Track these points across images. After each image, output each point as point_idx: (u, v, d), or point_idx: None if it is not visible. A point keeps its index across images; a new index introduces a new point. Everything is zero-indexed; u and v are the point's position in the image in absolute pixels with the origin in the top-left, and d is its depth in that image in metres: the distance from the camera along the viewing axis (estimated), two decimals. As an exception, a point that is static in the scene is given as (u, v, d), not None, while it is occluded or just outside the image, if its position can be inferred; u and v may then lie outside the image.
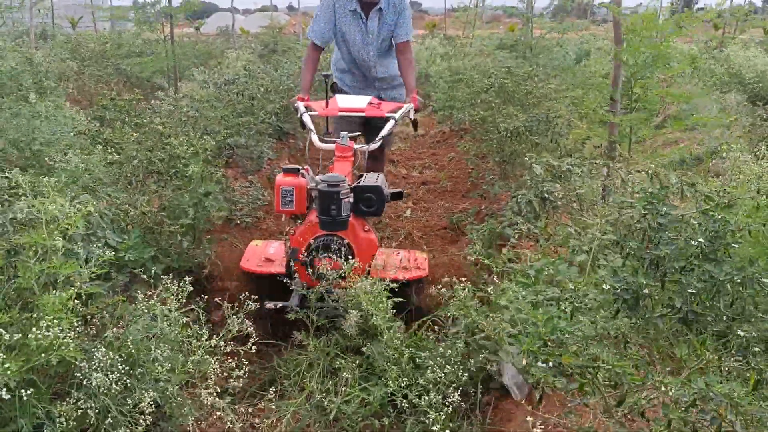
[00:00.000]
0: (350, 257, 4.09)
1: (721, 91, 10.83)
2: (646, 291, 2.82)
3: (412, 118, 5.61)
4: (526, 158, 5.41)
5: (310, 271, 4.04)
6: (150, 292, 3.43)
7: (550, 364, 2.44)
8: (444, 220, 6.86)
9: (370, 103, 5.28)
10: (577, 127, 6.30)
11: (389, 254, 4.69)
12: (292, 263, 4.20)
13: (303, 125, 5.24)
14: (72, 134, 5.34)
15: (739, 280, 2.70)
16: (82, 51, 14.00)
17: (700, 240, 2.81)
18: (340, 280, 3.95)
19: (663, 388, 2.25)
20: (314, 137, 4.91)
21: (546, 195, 4.98)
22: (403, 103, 5.59)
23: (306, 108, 5.31)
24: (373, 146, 4.96)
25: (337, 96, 5.43)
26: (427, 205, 7.45)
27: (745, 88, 11.21)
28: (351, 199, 4.15)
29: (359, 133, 5.54)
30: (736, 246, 2.84)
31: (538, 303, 3.27)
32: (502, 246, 5.22)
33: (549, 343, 2.47)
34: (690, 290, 2.78)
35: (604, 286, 2.89)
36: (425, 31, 27.54)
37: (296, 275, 4.18)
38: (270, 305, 4.16)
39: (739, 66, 11.97)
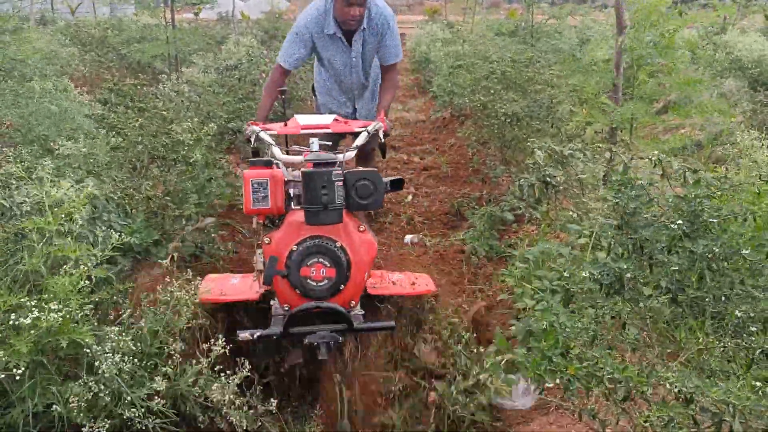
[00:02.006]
0: (346, 264, 3.38)
1: (721, 76, 10.83)
2: (628, 275, 2.86)
3: (382, 140, 4.63)
4: (528, 144, 5.43)
5: (293, 282, 3.35)
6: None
7: (557, 380, 2.48)
8: (445, 205, 6.88)
9: (335, 119, 4.50)
10: (577, 113, 6.31)
11: (384, 274, 4.16)
12: (270, 277, 3.31)
13: (255, 152, 4.49)
14: (79, 116, 5.33)
15: (717, 251, 2.73)
16: (82, 36, 13.98)
17: (679, 222, 2.85)
18: (331, 295, 3.36)
19: (668, 381, 2.27)
20: (276, 150, 3.93)
21: (548, 179, 4.97)
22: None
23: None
24: (350, 154, 3.97)
25: (297, 115, 4.58)
26: (429, 191, 7.47)
27: (744, 73, 11.21)
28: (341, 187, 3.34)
29: (330, 143, 4.50)
30: (714, 221, 2.87)
31: (540, 289, 3.31)
32: (502, 231, 5.26)
33: (553, 359, 2.51)
34: (672, 268, 2.81)
35: (584, 273, 2.94)
36: (426, 17, 27.51)
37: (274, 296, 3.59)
38: (244, 335, 3.40)
39: (738, 51, 11.96)
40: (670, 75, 5.58)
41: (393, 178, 3.65)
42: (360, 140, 4.17)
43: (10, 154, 4.06)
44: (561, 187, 5.06)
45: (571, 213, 4.42)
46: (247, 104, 7.72)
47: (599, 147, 5.34)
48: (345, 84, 5.60)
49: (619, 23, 5.39)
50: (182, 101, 6.64)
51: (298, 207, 3.46)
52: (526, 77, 7.22)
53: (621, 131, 5.51)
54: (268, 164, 3.48)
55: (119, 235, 3.21)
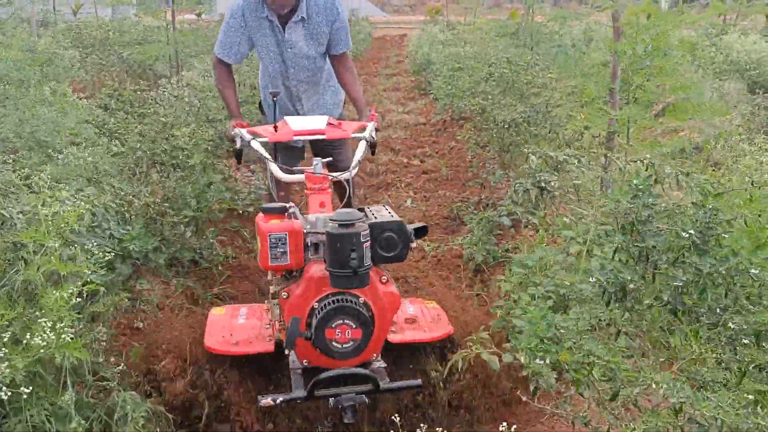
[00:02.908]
0: (370, 321, 3.12)
1: (720, 78, 10.84)
2: (632, 285, 2.88)
3: (374, 140, 4.45)
4: (524, 149, 5.45)
5: (318, 344, 3.07)
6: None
7: (548, 360, 2.48)
8: (444, 209, 6.90)
9: (329, 124, 4.23)
10: (575, 117, 6.33)
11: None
12: (293, 338, 3.04)
13: (239, 159, 4.40)
14: (77, 123, 5.33)
15: (724, 272, 2.74)
16: (83, 39, 14.00)
17: (691, 231, 2.86)
18: (356, 355, 3.12)
19: (654, 386, 2.30)
20: (275, 168, 3.88)
21: (543, 185, 4.99)
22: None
23: (251, 135, 4.31)
24: (352, 173, 3.89)
25: (287, 118, 4.35)
26: (428, 195, 7.49)
27: (743, 75, 11.23)
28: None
29: (330, 158, 4.30)
30: (727, 236, 2.88)
31: (536, 296, 3.33)
32: (500, 236, 5.28)
33: (545, 341, 2.53)
34: (676, 283, 2.83)
35: (590, 279, 2.95)
36: (426, 17, 27.55)
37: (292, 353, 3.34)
38: (266, 401, 3.11)
39: (737, 53, 11.98)
40: (666, 77, 5.60)
41: (417, 225, 3.31)
42: (360, 154, 4.01)
43: (9, 161, 4.07)
44: (557, 193, 5.08)
45: (565, 219, 4.43)
46: (247, 108, 7.73)
47: (594, 153, 5.36)
48: (283, 82, 5.04)
49: (616, 29, 5.41)
50: (182, 106, 6.65)
51: (317, 257, 3.22)
52: (524, 80, 7.25)
53: (618, 135, 5.53)
54: (283, 211, 3.25)
55: (118, 242, 3.23)
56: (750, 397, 2.20)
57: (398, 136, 10.35)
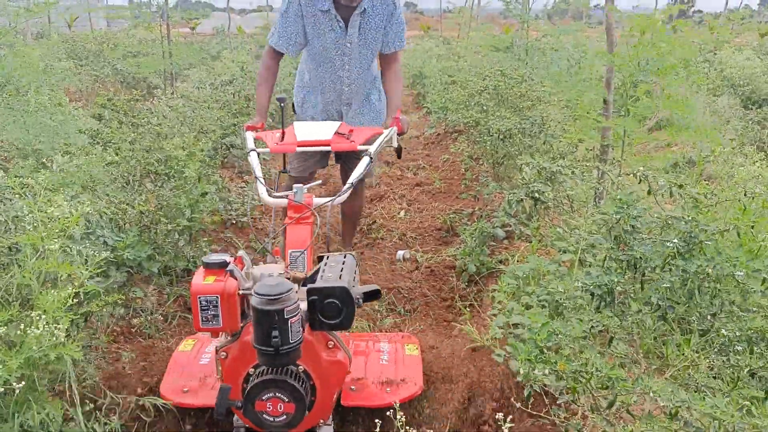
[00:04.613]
0: (308, 392, 2.87)
1: (714, 94, 10.91)
2: (618, 288, 2.89)
3: (396, 145, 4.41)
4: (518, 160, 5.46)
5: (248, 416, 2.82)
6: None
7: (546, 371, 2.48)
8: (438, 221, 6.90)
9: (337, 133, 4.04)
10: (570, 130, 6.35)
11: (367, 348, 3.76)
12: (221, 409, 2.83)
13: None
14: (74, 131, 5.34)
15: (711, 272, 2.76)
16: (78, 50, 14.05)
17: (675, 241, 2.88)
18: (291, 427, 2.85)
19: (651, 394, 2.30)
20: (261, 190, 3.59)
21: (536, 195, 5.00)
22: (381, 127, 4.63)
23: (255, 142, 4.16)
24: (339, 199, 3.57)
25: (296, 124, 4.18)
26: (421, 206, 7.49)
27: (736, 91, 11.31)
28: (301, 314, 2.70)
29: (319, 182, 4.16)
30: (710, 243, 2.90)
31: (529, 304, 3.35)
32: (493, 247, 5.29)
33: (545, 350, 2.53)
34: (664, 285, 2.84)
35: (576, 284, 2.96)
36: (420, 32, 27.66)
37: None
38: None
39: (730, 69, 12.07)
40: (662, 93, 5.63)
41: (367, 289, 2.94)
42: (357, 173, 3.71)
43: (3, 168, 4.08)
44: (550, 204, 5.10)
45: (558, 230, 4.45)
46: (241, 120, 7.76)
47: (587, 165, 5.38)
48: (336, 82, 4.88)
49: (610, 41, 5.44)
50: (176, 116, 6.66)
51: None
52: (518, 93, 7.27)
53: (612, 148, 5.55)
54: (223, 266, 2.89)
55: (111, 251, 3.23)
56: (746, 402, 2.20)
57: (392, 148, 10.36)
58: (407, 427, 2.43)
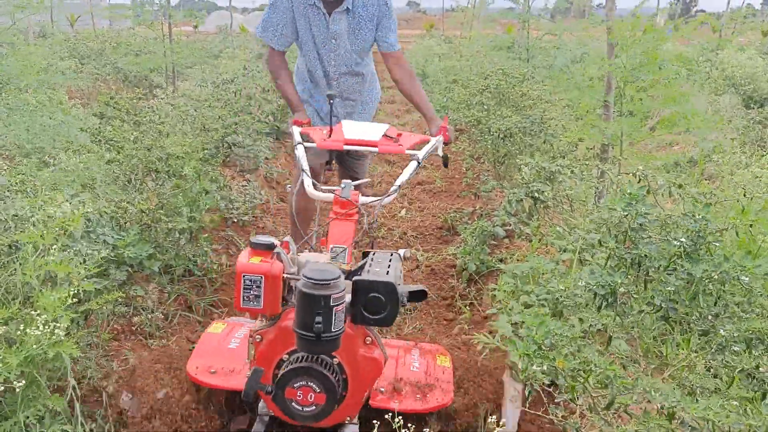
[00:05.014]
0: (340, 386, 2.83)
1: (715, 93, 10.92)
2: (621, 289, 2.89)
3: (441, 154, 4.22)
4: (518, 159, 5.47)
5: (277, 402, 2.80)
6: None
7: (545, 367, 2.47)
8: (438, 220, 6.91)
9: (386, 135, 3.96)
10: (570, 129, 6.36)
11: (399, 354, 3.65)
12: (251, 392, 2.76)
13: None
14: (74, 130, 5.34)
15: (716, 277, 2.76)
16: (80, 49, 14.06)
17: (682, 240, 2.87)
18: (318, 420, 2.82)
19: (651, 393, 2.30)
20: (307, 182, 3.56)
21: (536, 194, 5.00)
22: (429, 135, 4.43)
23: (302, 137, 4.11)
24: (387, 200, 3.57)
25: (344, 122, 4.15)
26: (422, 205, 7.50)
27: (738, 90, 11.31)
28: (346, 304, 2.67)
29: (368, 180, 4.11)
30: (718, 245, 2.90)
31: (530, 304, 3.35)
32: (494, 246, 5.30)
33: (543, 347, 2.53)
34: (669, 288, 2.84)
35: (579, 283, 2.96)
36: (423, 31, 27.67)
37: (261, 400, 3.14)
38: None
39: (732, 69, 12.07)
40: (659, 89, 5.63)
41: (413, 288, 2.85)
42: (405, 176, 3.67)
43: (5, 167, 4.09)
44: (550, 203, 5.10)
45: (558, 229, 4.45)
46: (243, 118, 7.76)
47: (587, 164, 5.38)
48: (323, 77, 4.83)
49: (610, 46, 5.44)
50: (178, 115, 6.67)
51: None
52: (519, 93, 7.28)
53: (613, 148, 5.56)
54: (270, 248, 2.82)
55: (112, 249, 3.23)
56: (737, 403, 2.21)
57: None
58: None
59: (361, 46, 4.68)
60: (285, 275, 2.81)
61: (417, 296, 2.85)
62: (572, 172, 5.07)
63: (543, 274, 3.83)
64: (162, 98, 8.09)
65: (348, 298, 2.72)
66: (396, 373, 3.44)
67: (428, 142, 4.09)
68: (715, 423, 2.09)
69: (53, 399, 2.83)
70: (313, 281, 2.53)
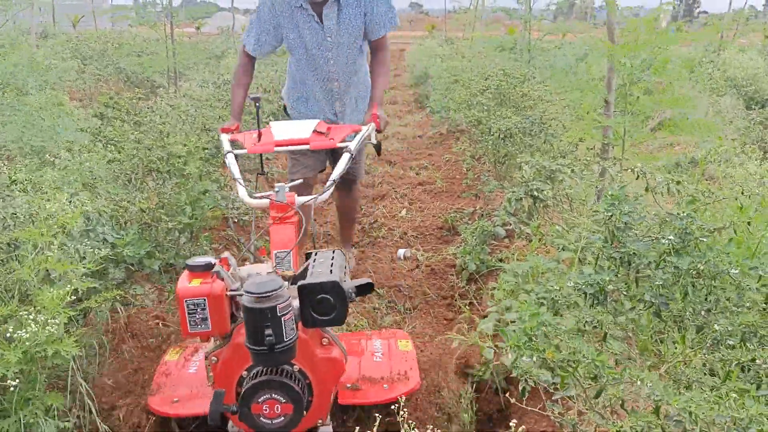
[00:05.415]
0: (305, 392, 2.81)
1: (717, 94, 10.92)
2: (610, 287, 2.89)
3: (375, 142, 4.21)
4: (519, 159, 5.47)
5: (244, 420, 2.74)
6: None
7: (534, 358, 2.47)
8: (439, 220, 6.91)
9: (315, 131, 3.88)
10: (571, 129, 6.36)
11: (360, 346, 3.61)
12: (216, 415, 2.72)
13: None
14: (74, 130, 5.35)
15: (704, 270, 2.76)
16: (82, 50, 14.09)
17: (670, 237, 2.88)
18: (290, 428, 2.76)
19: (639, 383, 2.30)
20: (242, 191, 3.47)
21: (536, 193, 5.00)
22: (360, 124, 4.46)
23: (231, 144, 3.99)
24: (322, 197, 3.43)
25: (272, 124, 4.03)
26: (423, 206, 7.50)
27: (739, 91, 11.31)
28: (294, 311, 2.65)
29: (300, 180, 4.04)
30: (705, 240, 2.90)
31: (527, 302, 3.35)
32: (494, 245, 5.30)
33: (533, 338, 2.53)
34: (657, 282, 2.84)
35: (568, 283, 2.96)
36: (425, 33, 27.70)
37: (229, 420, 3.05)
38: None
39: (734, 70, 12.07)
40: (663, 92, 5.63)
41: (359, 282, 2.85)
42: (339, 169, 3.57)
43: (5, 167, 4.10)
44: (550, 202, 5.10)
45: (558, 228, 4.45)
46: (244, 119, 7.76)
47: (587, 162, 5.38)
48: (323, 80, 4.75)
49: (611, 39, 5.43)
50: (179, 115, 6.67)
51: None
52: (520, 93, 7.28)
53: (613, 148, 5.55)
54: (208, 268, 2.76)
55: (111, 248, 3.24)
56: (734, 395, 2.21)
57: (395, 148, 10.37)
58: (409, 422, 2.43)
59: (354, 36, 4.58)
60: (228, 293, 2.76)
61: (364, 289, 2.84)
62: (572, 171, 5.07)
63: (543, 273, 3.84)
64: (162, 98, 8.09)
65: (295, 303, 2.70)
66: (359, 366, 3.40)
67: (359, 132, 4.03)
68: (697, 415, 2.09)
69: (51, 397, 2.83)
70: (256, 295, 2.50)
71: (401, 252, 6.00)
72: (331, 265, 2.91)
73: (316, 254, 3.07)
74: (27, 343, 2.60)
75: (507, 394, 3.28)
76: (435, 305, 5.07)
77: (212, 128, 6.88)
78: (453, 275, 5.46)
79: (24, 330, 2.60)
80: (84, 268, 3.06)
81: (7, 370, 2.53)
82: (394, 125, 12.08)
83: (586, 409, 2.71)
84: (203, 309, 2.67)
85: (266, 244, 3.43)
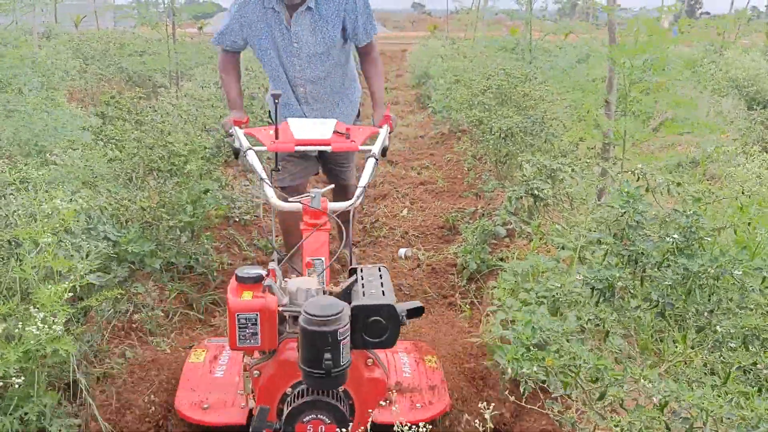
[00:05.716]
0: (348, 414, 2.73)
1: (718, 95, 10.91)
2: (619, 283, 2.89)
3: (387, 144, 4.04)
4: (519, 158, 5.47)
5: None
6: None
7: (534, 368, 2.45)
8: (440, 219, 6.91)
9: (336, 132, 3.75)
10: (572, 129, 6.36)
11: (387, 359, 3.48)
12: (260, 428, 2.63)
13: (236, 155, 3.98)
14: (74, 129, 5.35)
15: (712, 272, 2.76)
16: (84, 50, 14.08)
17: (675, 236, 2.88)
18: None
19: (642, 381, 2.30)
20: (270, 193, 3.31)
21: (536, 192, 5.00)
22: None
23: (248, 138, 3.88)
24: (354, 204, 3.37)
25: (290, 121, 3.87)
26: (424, 205, 7.50)
27: (741, 92, 11.30)
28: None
29: (332, 186, 3.97)
30: (709, 240, 2.90)
31: (527, 301, 3.35)
32: (494, 244, 5.30)
33: (531, 348, 2.53)
34: (666, 283, 2.84)
35: (577, 277, 2.96)
36: (427, 33, 27.70)
37: None
38: None
39: (736, 70, 12.06)
40: (665, 92, 5.63)
41: (411, 306, 2.71)
42: (366, 176, 3.46)
43: (5, 165, 4.10)
44: (550, 201, 5.10)
45: (558, 227, 4.45)
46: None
47: (587, 162, 5.38)
48: (291, 81, 4.57)
49: (612, 39, 5.44)
50: (180, 114, 6.68)
51: (295, 332, 2.69)
52: (521, 93, 7.28)
53: (614, 147, 5.55)
54: (258, 280, 2.68)
55: (113, 246, 3.24)
56: (735, 395, 2.21)
57: (396, 148, 10.36)
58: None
59: (327, 45, 4.40)
60: (280, 308, 2.68)
61: (415, 313, 2.72)
62: (573, 170, 5.07)
63: (543, 272, 3.84)
64: (163, 98, 8.10)
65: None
66: (389, 382, 3.30)
67: (379, 135, 3.96)
68: (708, 413, 2.09)
69: (50, 395, 2.84)
70: (317, 318, 2.40)
71: (402, 251, 5.99)
72: (382, 285, 2.82)
73: (362, 270, 2.97)
74: (32, 342, 2.60)
75: (507, 393, 3.27)
76: (436, 304, 5.07)
77: (213, 128, 6.89)
78: (454, 274, 5.46)
79: (34, 326, 2.59)
80: (88, 264, 3.06)
81: (8, 369, 2.53)
82: (397, 125, 12.05)
83: (583, 405, 2.71)
84: (254, 324, 2.61)
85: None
